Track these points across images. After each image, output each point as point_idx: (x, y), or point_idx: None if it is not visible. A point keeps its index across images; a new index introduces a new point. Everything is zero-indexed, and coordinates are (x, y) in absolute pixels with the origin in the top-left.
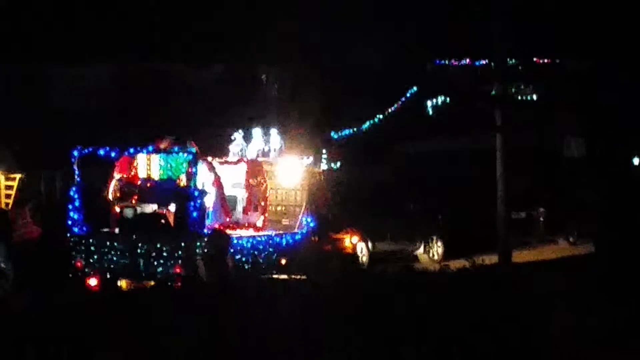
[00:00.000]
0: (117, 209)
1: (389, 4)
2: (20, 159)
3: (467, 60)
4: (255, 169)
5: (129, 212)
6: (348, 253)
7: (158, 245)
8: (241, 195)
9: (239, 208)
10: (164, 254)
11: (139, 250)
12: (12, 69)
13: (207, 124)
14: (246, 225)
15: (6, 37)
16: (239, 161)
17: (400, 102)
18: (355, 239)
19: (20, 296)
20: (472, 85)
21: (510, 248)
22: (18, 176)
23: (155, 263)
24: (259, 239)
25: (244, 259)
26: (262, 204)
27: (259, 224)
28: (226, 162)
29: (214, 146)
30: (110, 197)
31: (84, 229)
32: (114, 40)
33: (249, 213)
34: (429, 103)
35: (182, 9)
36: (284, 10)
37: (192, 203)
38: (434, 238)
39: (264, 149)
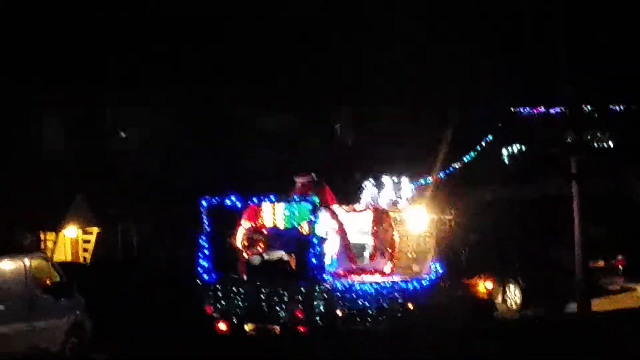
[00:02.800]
0: (245, 256)
1: (464, 54)
2: (96, 212)
3: (542, 107)
4: (381, 216)
5: (255, 259)
6: (482, 299)
7: (280, 291)
8: (368, 242)
9: (366, 255)
10: (286, 298)
11: (263, 295)
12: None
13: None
14: (372, 271)
15: (78, 83)
16: (365, 209)
17: (477, 150)
18: (489, 284)
19: (102, 350)
20: (547, 133)
21: (589, 296)
22: (95, 230)
23: (278, 308)
24: (384, 284)
25: (367, 304)
26: (389, 250)
27: (386, 270)
28: (353, 210)
29: (344, 193)
30: (238, 244)
31: (213, 276)
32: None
33: (375, 259)
34: (504, 151)
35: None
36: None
37: (311, 250)
38: (511, 285)
39: (394, 198)
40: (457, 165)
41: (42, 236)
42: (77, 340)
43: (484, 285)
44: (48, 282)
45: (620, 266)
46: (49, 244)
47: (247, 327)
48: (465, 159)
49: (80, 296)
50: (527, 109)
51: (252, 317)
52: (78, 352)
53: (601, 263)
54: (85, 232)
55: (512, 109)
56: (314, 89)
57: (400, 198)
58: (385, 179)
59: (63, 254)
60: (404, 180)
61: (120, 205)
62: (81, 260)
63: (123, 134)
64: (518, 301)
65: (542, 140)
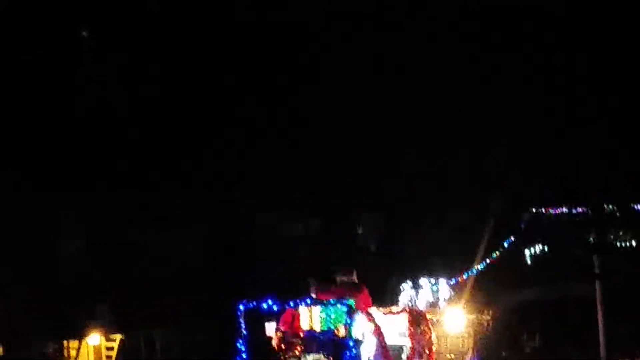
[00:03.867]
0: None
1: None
2: (118, 318)
3: (564, 207)
4: (418, 318)
5: None
6: None
7: None
8: (406, 343)
9: (404, 357)
10: None
11: None
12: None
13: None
14: None
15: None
16: (401, 311)
17: (499, 251)
18: None
19: None
20: (569, 233)
21: None
22: (118, 337)
23: None
24: None
25: None
26: (427, 352)
27: None
28: (390, 312)
29: (382, 296)
30: (276, 348)
31: None
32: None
33: None
34: (527, 252)
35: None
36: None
37: (348, 353)
38: None
39: (432, 299)
40: (479, 267)
41: (65, 344)
42: None
43: None
44: None
45: None
46: (72, 353)
47: None
48: (486, 260)
49: None
50: (550, 209)
51: None
52: None
53: None
54: (108, 339)
55: (534, 209)
56: (338, 192)
57: (438, 299)
58: (423, 281)
59: None
60: (442, 281)
61: (142, 311)
62: None
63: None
64: None
65: (565, 241)
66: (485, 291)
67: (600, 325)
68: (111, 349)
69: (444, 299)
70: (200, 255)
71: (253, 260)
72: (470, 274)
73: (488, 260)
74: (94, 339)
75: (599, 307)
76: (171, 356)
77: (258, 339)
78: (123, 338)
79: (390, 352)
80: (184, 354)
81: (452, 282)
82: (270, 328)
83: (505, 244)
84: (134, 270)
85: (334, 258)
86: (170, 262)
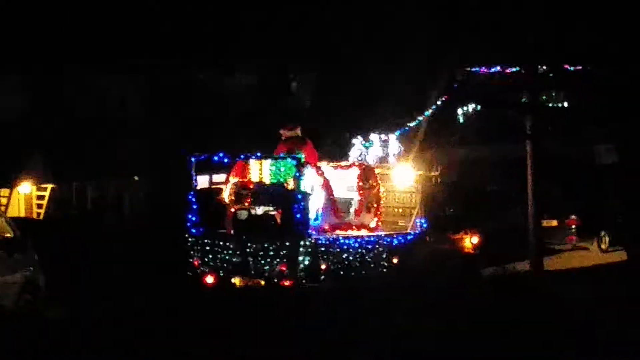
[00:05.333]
0: (232, 211)
1: (419, 11)
2: (51, 169)
3: (498, 67)
4: (367, 172)
5: (242, 214)
6: (468, 253)
7: (266, 245)
8: (354, 197)
9: (352, 210)
10: (271, 253)
11: (249, 250)
12: (40, 77)
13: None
14: (358, 226)
15: (33, 44)
16: (351, 165)
17: (431, 109)
18: (475, 239)
19: (55, 308)
20: (502, 93)
21: (541, 255)
22: (49, 187)
23: (263, 262)
24: (368, 239)
25: (351, 258)
26: (375, 206)
27: (372, 225)
28: (339, 166)
29: (331, 150)
30: (226, 200)
31: (201, 230)
32: (148, 49)
33: (361, 215)
34: (459, 110)
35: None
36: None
37: (297, 205)
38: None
39: (382, 154)
40: (411, 124)
41: None
42: (31, 297)
43: (469, 240)
44: (1, 237)
45: (573, 226)
46: (3, 200)
47: (235, 281)
48: (420, 118)
49: (34, 252)
50: (483, 68)
51: (238, 271)
52: (31, 309)
53: (555, 222)
54: (39, 189)
55: (467, 68)
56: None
57: (388, 155)
58: (373, 136)
59: (17, 210)
60: (392, 137)
61: (77, 163)
62: (34, 216)
63: None
64: None
65: (497, 100)
66: (433, 148)
67: (530, 185)
68: (42, 198)
69: (394, 155)
70: (139, 106)
71: (193, 115)
72: (403, 130)
73: (421, 118)
74: (25, 187)
75: (529, 167)
76: (103, 207)
77: (209, 191)
78: (54, 187)
79: (339, 206)
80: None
81: (396, 135)
82: (217, 180)
83: (438, 103)
84: (71, 117)
85: (271, 113)
86: (107, 111)
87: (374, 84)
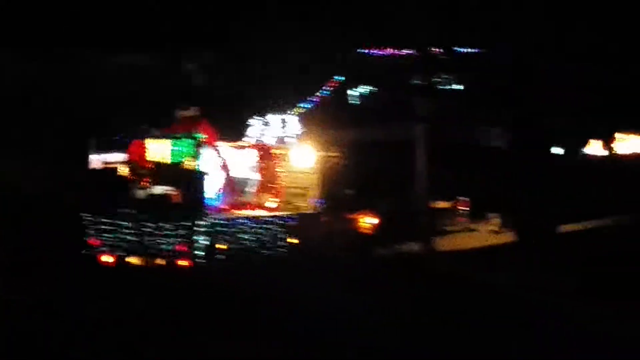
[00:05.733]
0: (130, 190)
1: None
2: None
3: (392, 49)
4: (266, 153)
5: (140, 193)
6: (364, 234)
7: (163, 225)
8: (253, 177)
9: (251, 190)
10: (169, 233)
11: (146, 229)
12: None
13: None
14: (256, 206)
15: None
16: (249, 146)
17: (326, 90)
18: (372, 219)
19: None
20: (396, 75)
21: (432, 237)
22: None
23: (162, 241)
24: (266, 219)
25: (249, 238)
26: (274, 186)
27: (271, 205)
28: (238, 146)
29: (230, 130)
30: (124, 179)
31: (99, 208)
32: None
33: (259, 195)
34: (352, 92)
35: None
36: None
37: (194, 185)
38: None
39: (281, 135)
40: (307, 105)
41: None
42: None
43: (366, 221)
44: None
45: (464, 208)
46: None
47: (133, 260)
48: (314, 99)
49: None
50: (377, 51)
51: (136, 250)
52: None
53: (445, 204)
54: None
55: (361, 50)
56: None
57: (287, 135)
58: (272, 117)
59: None
60: (291, 117)
61: None
62: None
63: None
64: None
65: (390, 83)
66: (333, 129)
67: (420, 167)
68: None
69: (293, 135)
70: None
71: (84, 94)
72: (299, 111)
73: (316, 99)
74: None
75: (420, 149)
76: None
77: (107, 169)
78: None
79: (238, 186)
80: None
81: (294, 115)
82: (115, 158)
83: (334, 84)
84: None
85: (167, 93)
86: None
87: (270, 65)
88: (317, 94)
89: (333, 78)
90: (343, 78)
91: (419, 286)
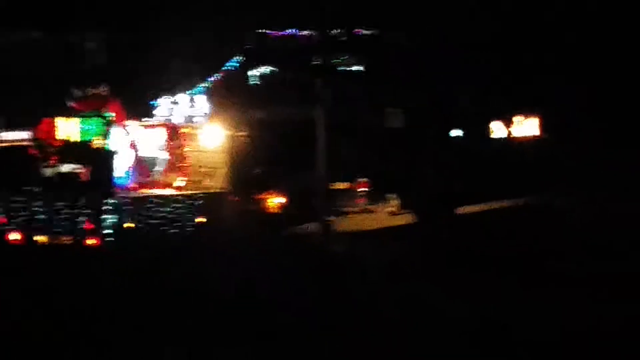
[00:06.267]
0: (38, 169)
1: None
2: None
3: (292, 30)
4: (175, 132)
5: (48, 172)
6: (272, 213)
7: (71, 203)
8: (162, 156)
9: (159, 169)
10: (76, 211)
11: (54, 207)
12: None
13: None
14: (165, 185)
15: None
16: (158, 125)
17: (224, 71)
18: (280, 199)
19: None
20: (296, 56)
21: (329, 217)
22: None
23: (70, 219)
24: (175, 197)
25: (158, 216)
26: (182, 165)
27: (179, 184)
28: (148, 125)
29: (139, 109)
30: (32, 157)
31: (7, 186)
32: None
33: (168, 174)
34: (253, 73)
35: None
36: None
37: (102, 163)
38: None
39: (190, 114)
40: (206, 85)
41: None
42: None
43: (274, 201)
44: None
45: (363, 189)
46: None
47: (41, 238)
48: (213, 79)
49: None
50: (278, 31)
51: (44, 229)
52: None
53: (345, 185)
54: None
55: (261, 30)
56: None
57: (195, 115)
58: (180, 96)
59: None
60: (200, 97)
61: None
62: None
63: None
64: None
65: (291, 63)
66: (239, 109)
67: (319, 148)
68: None
69: (202, 115)
70: None
71: None
72: (201, 90)
73: (217, 80)
74: None
75: (319, 130)
76: None
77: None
78: None
79: (146, 165)
80: None
81: (198, 94)
82: (16, 136)
83: (233, 64)
84: None
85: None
86: None
87: (172, 45)
88: (219, 74)
89: (234, 58)
90: (243, 58)
91: (316, 265)
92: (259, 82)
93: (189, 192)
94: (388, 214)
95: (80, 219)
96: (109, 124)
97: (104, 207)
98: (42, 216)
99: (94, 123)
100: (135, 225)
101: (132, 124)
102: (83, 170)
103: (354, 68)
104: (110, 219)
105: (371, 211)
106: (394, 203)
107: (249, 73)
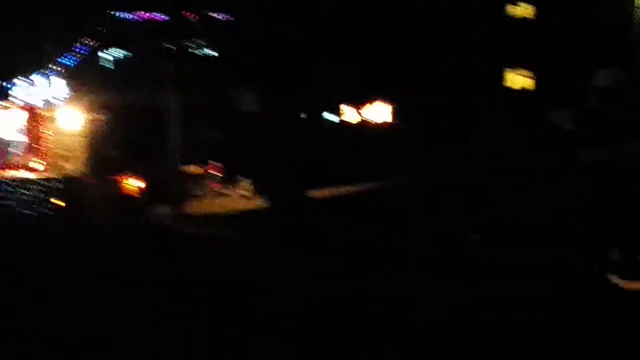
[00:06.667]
0: None
1: None
2: None
3: (145, 13)
4: (33, 114)
5: None
6: (131, 195)
7: None
8: (20, 139)
9: (17, 152)
10: None
11: None
12: None
13: None
14: (23, 167)
15: None
16: (16, 107)
17: (78, 53)
18: (138, 182)
19: None
20: (148, 39)
21: (182, 200)
22: None
23: None
24: (31, 180)
25: (14, 199)
26: (41, 148)
27: (39, 167)
28: (4, 107)
29: None
30: None
31: None
32: None
33: (26, 156)
34: (104, 56)
35: None
36: None
37: None
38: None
39: (48, 97)
40: (59, 68)
41: None
42: None
43: (131, 183)
44: None
45: (215, 172)
46: None
47: None
48: (68, 62)
49: None
50: (128, 14)
51: None
52: None
53: (198, 169)
54: None
55: (111, 12)
56: None
57: (54, 97)
58: (38, 78)
59: None
60: (58, 79)
61: None
62: None
63: None
64: None
65: (143, 47)
66: (95, 93)
67: (172, 133)
68: None
69: (62, 98)
70: None
71: None
72: (48, 75)
73: (68, 62)
74: None
75: (170, 114)
76: None
77: None
78: None
79: (3, 147)
80: None
81: (56, 76)
82: None
83: (86, 47)
84: None
85: None
86: None
87: (22, 25)
88: (70, 57)
89: (84, 41)
90: (95, 42)
91: (167, 247)
92: (110, 66)
93: (47, 175)
94: (240, 197)
95: None
96: None
97: None
98: None
99: None
100: None
101: None
102: None
103: (206, 52)
104: None
105: (224, 195)
106: (246, 187)
107: (101, 56)
